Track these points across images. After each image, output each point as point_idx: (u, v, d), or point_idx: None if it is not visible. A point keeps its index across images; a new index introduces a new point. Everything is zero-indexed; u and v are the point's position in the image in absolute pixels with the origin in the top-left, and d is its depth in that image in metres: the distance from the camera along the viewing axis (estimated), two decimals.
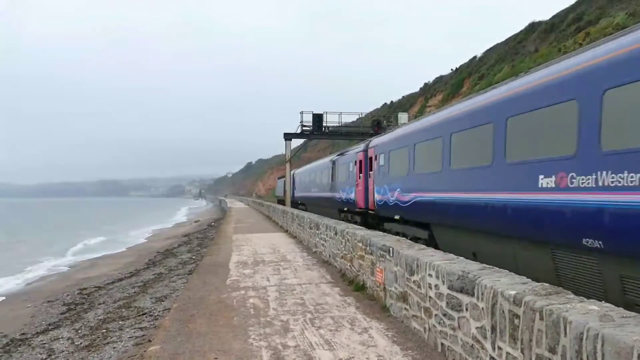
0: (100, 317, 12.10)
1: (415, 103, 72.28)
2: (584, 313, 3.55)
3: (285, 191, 37.65)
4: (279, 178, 67.84)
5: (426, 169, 13.77)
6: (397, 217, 16.26)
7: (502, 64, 49.03)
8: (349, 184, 23.21)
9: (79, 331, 11.09)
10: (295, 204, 38.67)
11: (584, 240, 7.14)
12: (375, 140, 20.25)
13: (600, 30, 31.48)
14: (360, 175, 21.26)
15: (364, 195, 20.69)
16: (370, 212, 20.00)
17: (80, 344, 9.85)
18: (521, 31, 53.12)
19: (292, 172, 39.06)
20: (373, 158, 19.60)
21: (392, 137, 17.79)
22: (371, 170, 19.82)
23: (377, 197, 18.46)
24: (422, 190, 13.95)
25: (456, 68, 67.02)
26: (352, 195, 22.55)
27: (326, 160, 31.32)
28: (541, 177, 8.15)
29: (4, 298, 18.66)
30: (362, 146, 22.09)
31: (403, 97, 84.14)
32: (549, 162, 8.06)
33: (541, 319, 3.84)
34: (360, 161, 21.41)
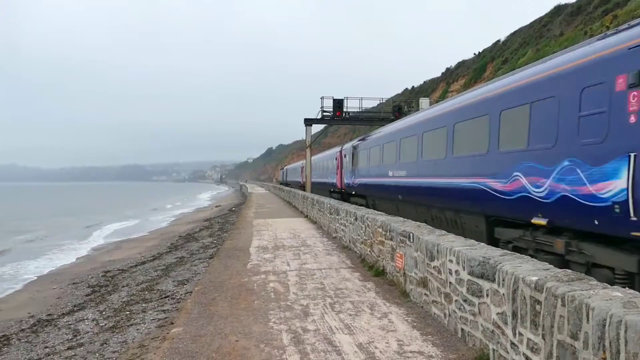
0: (124, 300, 12.31)
1: (436, 88, 71.59)
2: (607, 299, 3.51)
3: (306, 177, 37.84)
4: (280, 169, 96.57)
5: (364, 164, 23.82)
6: (353, 192, 26.63)
7: (526, 48, 48.20)
8: (333, 173, 34.01)
9: (104, 313, 11.31)
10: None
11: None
12: (345, 145, 31.15)
13: (628, 12, 30.67)
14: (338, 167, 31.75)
15: (340, 180, 31.26)
16: (342, 190, 30.59)
17: (105, 325, 10.05)
18: (546, 14, 52.08)
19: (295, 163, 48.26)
20: (342, 157, 30.61)
21: (352, 143, 28.31)
22: (342, 164, 30.65)
23: (345, 181, 29.24)
24: (363, 177, 23.98)
25: (479, 52, 66.10)
26: (334, 180, 33.47)
27: (325, 153, 41.57)
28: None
29: (34, 278, 19.10)
30: (338, 148, 33.96)
31: (425, 82, 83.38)
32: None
33: (563, 305, 3.81)
34: (337, 158, 32.51)
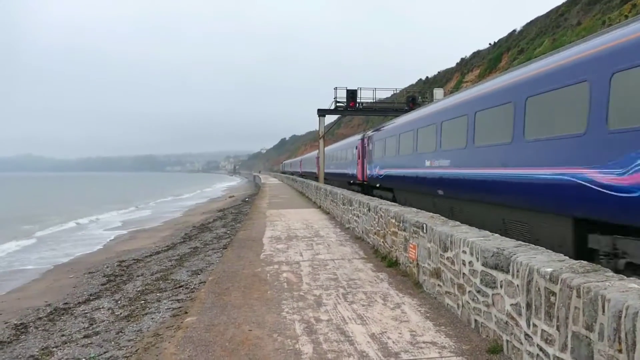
0: (138, 289, 12.42)
1: (451, 78, 71.07)
2: (623, 291, 3.47)
3: (319, 168, 37.85)
4: (282, 163, 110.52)
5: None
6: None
7: (542, 38, 47.64)
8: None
9: (119, 302, 11.42)
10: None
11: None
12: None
13: None
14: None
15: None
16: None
17: (120, 314, 10.16)
18: (564, 3, 51.36)
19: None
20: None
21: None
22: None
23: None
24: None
25: (494, 42, 65.46)
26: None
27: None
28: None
29: (51, 268, 19.36)
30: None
31: (439, 72, 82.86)
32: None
33: (578, 296, 3.77)
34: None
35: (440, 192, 14.74)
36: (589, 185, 7.87)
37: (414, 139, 17.63)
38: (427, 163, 15.71)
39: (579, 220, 8.42)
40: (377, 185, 23.78)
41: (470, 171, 12.36)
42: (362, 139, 28.02)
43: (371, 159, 25.28)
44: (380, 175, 22.91)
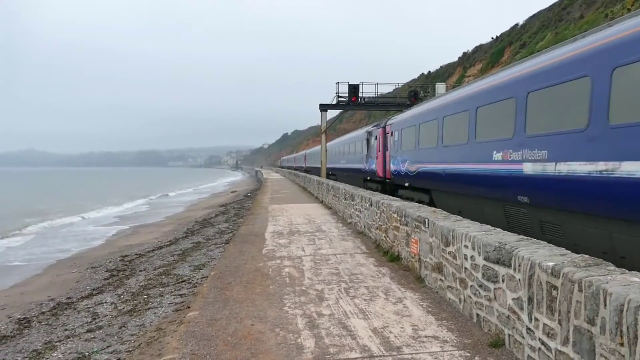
0: (141, 284, 12.46)
1: (453, 73, 70.86)
2: (625, 284, 3.47)
3: (321, 162, 37.92)
4: (280, 159, 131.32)
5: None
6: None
7: (545, 32, 47.45)
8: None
9: (122, 296, 11.46)
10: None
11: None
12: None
13: None
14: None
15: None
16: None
17: (123, 308, 10.19)
18: None
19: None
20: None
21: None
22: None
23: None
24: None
25: (497, 36, 65.22)
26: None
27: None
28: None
29: (54, 262, 19.42)
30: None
31: (441, 67, 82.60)
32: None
33: (580, 290, 3.77)
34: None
35: (345, 173, 33.96)
36: (362, 168, 27.86)
37: (336, 151, 39.08)
38: (341, 161, 35.74)
39: (364, 178, 27.45)
40: (330, 172, 40.55)
41: (345, 165, 34.33)
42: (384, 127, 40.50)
43: (327, 159, 42.34)
44: (331, 167, 40.29)
